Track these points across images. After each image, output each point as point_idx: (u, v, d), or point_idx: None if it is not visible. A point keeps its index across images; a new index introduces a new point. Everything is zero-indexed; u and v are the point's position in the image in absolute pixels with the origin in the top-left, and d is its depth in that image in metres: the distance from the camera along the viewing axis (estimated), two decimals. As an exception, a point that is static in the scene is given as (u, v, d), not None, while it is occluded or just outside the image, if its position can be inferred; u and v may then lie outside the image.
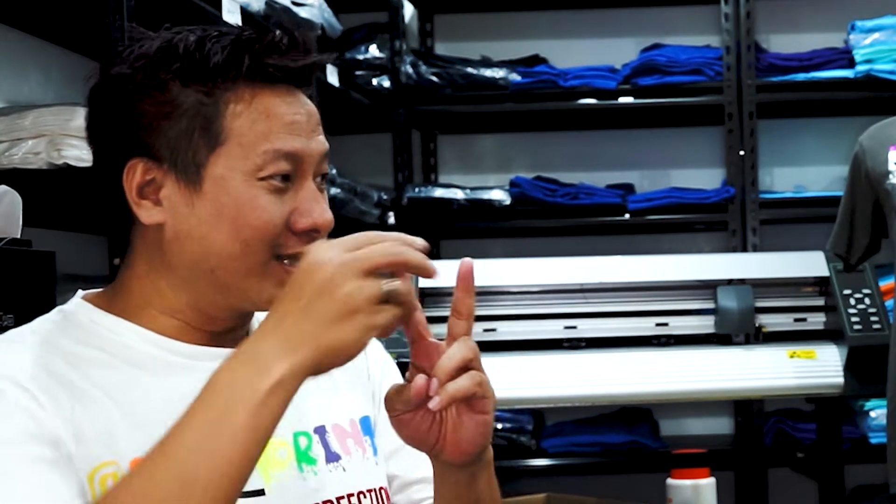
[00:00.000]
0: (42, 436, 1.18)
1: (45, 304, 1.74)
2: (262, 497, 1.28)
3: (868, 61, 4.22)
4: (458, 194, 4.34)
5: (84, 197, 2.45)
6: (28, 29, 2.72)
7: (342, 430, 1.40)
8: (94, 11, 2.23)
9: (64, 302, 1.36)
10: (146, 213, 1.28)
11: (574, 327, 3.43)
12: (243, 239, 1.27)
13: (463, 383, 1.23)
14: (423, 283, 3.39)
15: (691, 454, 3.73)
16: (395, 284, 1.17)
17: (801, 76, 4.33)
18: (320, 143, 1.32)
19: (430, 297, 3.43)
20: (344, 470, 1.38)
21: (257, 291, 1.29)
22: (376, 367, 1.49)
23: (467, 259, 1.28)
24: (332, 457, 1.37)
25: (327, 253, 1.15)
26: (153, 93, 1.27)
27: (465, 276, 1.28)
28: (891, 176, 3.03)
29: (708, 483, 3.54)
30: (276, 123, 1.28)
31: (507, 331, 3.41)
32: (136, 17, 2.23)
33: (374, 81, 4.31)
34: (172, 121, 1.27)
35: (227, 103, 1.27)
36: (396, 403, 1.26)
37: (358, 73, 4.29)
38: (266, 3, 2.97)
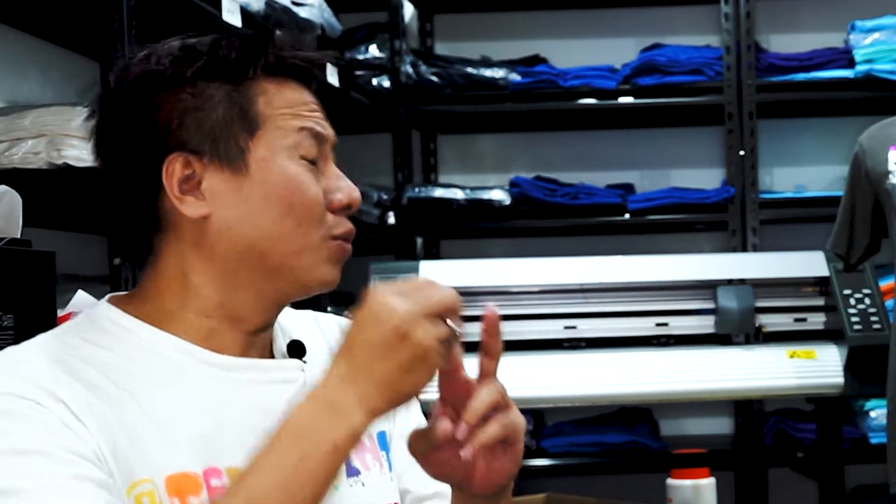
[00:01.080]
0: (86, 453, 1.18)
1: (45, 304, 1.74)
2: None
3: (868, 61, 4.22)
4: (458, 194, 4.33)
5: (84, 197, 2.45)
6: (28, 29, 2.72)
7: (361, 445, 1.37)
8: (94, 11, 2.23)
9: (64, 302, 1.36)
10: (190, 208, 1.29)
11: (574, 327, 3.43)
12: (295, 217, 1.30)
13: (492, 431, 1.25)
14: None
15: (691, 454, 3.73)
16: (457, 325, 1.22)
17: (801, 76, 4.32)
18: (332, 130, 1.37)
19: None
20: (363, 485, 1.38)
21: (309, 270, 1.32)
22: None
23: (492, 307, 1.30)
24: (352, 471, 1.37)
25: (395, 299, 1.19)
26: (183, 87, 1.30)
27: (492, 324, 1.30)
28: (891, 176, 3.03)
29: (708, 483, 3.54)
30: (301, 109, 1.33)
31: (506, 331, 3.34)
32: (136, 17, 2.23)
33: (374, 81, 4.31)
34: (206, 112, 1.29)
35: (255, 94, 1.31)
36: (422, 446, 1.27)
37: (358, 73, 4.30)
38: (266, 3, 2.97)
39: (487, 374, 1.28)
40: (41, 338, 1.30)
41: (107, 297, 1.36)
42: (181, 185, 1.29)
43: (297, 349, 1.40)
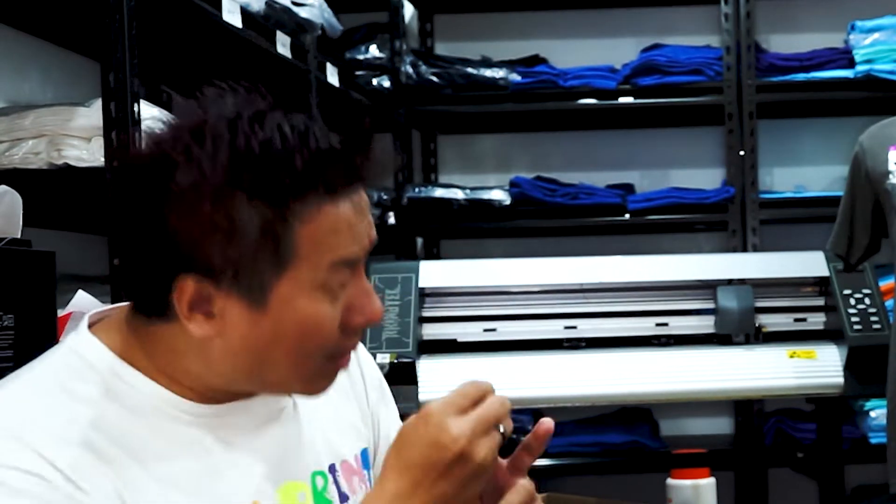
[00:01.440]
0: None
1: (45, 304, 1.74)
2: None
3: (868, 61, 4.22)
4: (458, 194, 4.33)
5: (84, 197, 2.45)
6: (28, 29, 2.71)
7: (349, 468, 1.40)
8: (94, 11, 2.23)
9: (64, 302, 1.35)
10: (198, 328, 1.19)
11: (574, 327, 3.43)
12: (303, 353, 1.23)
13: None
14: (423, 283, 3.40)
15: (691, 454, 3.73)
16: (507, 427, 1.24)
17: (801, 76, 4.32)
18: (373, 234, 1.26)
19: (430, 297, 3.43)
20: None
21: (304, 388, 1.28)
22: (373, 392, 1.49)
23: (549, 421, 1.32)
24: (343, 497, 1.37)
25: (454, 421, 1.20)
26: (216, 206, 1.13)
27: (544, 434, 1.32)
28: (891, 176, 3.03)
29: (708, 483, 3.54)
30: (347, 233, 1.20)
31: (507, 331, 3.41)
32: (136, 17, 2.23)
33: (375, 81, 4.31)
34: (234, 239, 1.14)
35: (297, 221, 1.16)
36: None
37: (358, 73, 4.29)
38: (266, 3, 2.97)
39: (521, 469, 1.31)
40: (32, 383, 1.22)
41: (87, 321, 1.27)
42: (191, 304, 1.18)
43: None
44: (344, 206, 1.19)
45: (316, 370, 1.26)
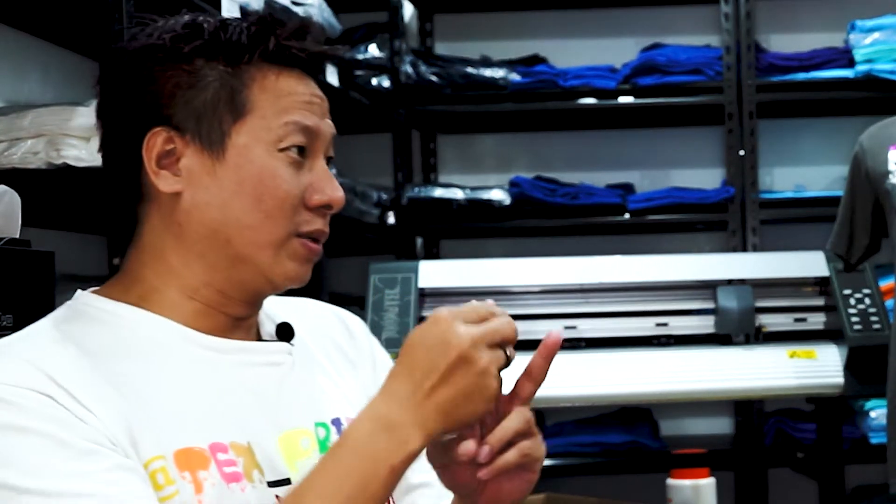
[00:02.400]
0: (102, 441, 1.19)
1: (44, 304, 1.74)
2: (288, 486, 1.29)
3: (868, 61, 4.22)
4: (458, 194, 4.33)
5: (84, 197, 2.45)
6: (28, 29, 2.71)
7: None
8: (93, 11, 2.23)
9: (63, 302, 1.36)
10: (164, 182, 1.30)
11: (574, 327, 3.43)
12: (264, 209, 1.30)
13: (511, 457, 1.26)
14: (423, 283, 3.40)
15: (691, 454, 3.73)
16: (511, 353, 1.24)
17: (801, 76, 4.32)
18: (330, 125, 1.37)
19: (431, 296, 3.43)
20: None
21: (272, 265, 1.32)
22: (383, 369, 1.49)
23: (556, 332, 1.32)
24: None
25: (461, 325, 1.21)
26: (179, 64, 1.30)
27: (552, 347, 1.31)
28: (891, 176, 3.03)
29: (708, 483, 3.54)
30: (296, 100, 1.33)
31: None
32: (136, 17, 2.23)
33: (374, 81, 4.31)
34: (197, 90, 1.30)
35: (251, 78, 1.31)
36: (443, 457, 1.28)
37: (358, 72, 4.29)
38: (266, 2, 2.97)
39: (523, 398, 1.29)
40: (33, 327, 1.31)
41: (84, 291, 1.36)
42: (160, 159, 1.30)
43: (285, 332, 1.41)
44: (290, 79, 1.33)
45: (280, 240, 1.31)
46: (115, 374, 1.25)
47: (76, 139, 2.23)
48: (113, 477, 1.17)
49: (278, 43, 1.33)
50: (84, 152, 2.23)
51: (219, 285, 1.32)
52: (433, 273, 3.43)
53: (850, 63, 4.26)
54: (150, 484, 1.21)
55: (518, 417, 1.26)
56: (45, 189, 2.31)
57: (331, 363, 1.44)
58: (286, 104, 1.32)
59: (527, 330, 3.41)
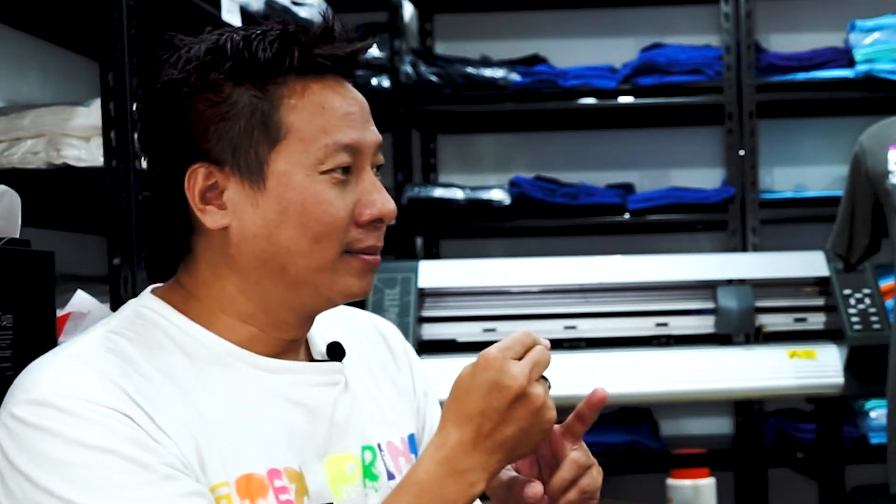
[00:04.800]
0: (176, 465, 1.19)
1: (44, 304, 1.73)
2: None
3: (868, 61, 4.21)
4: (458, 194, 4.33)
5: (83, 197, 2.44)
6: (27, 29, 2.71)
7: (395, 448, 1.41)
8: (93, 11, 2.23)
9: (63, 302, 1.35)
10: (211, 219, 1.29)
11: (574, 327, 3.43)
12: (311, 235, 1.27)
13: (571, 497, 1.32)
14: (423, 283, 3.40)
15: (691, 454, 3.73)
16: (550, 381, 1.28)
17: (801, 76, 4.32)
18: (374, 133, 1.33)
19: (431, 296, 3.43)
20: None
21: (329, 285, 1.30)
22: (420, 384, 1.51)
23: (603, 390, 1.35)
24: (389, 475, 1.38)
25: (513, 364, 1.23)
26: (207, 95, 1.27)
27: (597, 402, 1.35)
28: (891, 176, 3.03)
29: (708, 483, 3.54)
30: (333, 116, 1.29)
31: (507, 331, 3.40)
32: (136, 17, 2.23)
33: (374, 81, 4.31)
34: (230, 121, 1.27)
35: (281, 98, 1.27)
36: (507, 496, 1.32)
37: (357, 72, 4.28)
38: (266, 2, 2.97)
39: (575, 436, 1.33)
40: (103, 334, 1.28)
41: (150, 288, 1.35)
42: (203, 194, 1.28)
43: (336, 351, 1.40)
44: (323, 90, 1.29)
45: (333, 261, 1.29)
46: (186, 391, 1.24)
47: (76, 139, 2.23)
48: (187, 502, 1.17)
49: (304, 53, 1.28)
50: (84, 152, 2.23)
51: (275, 309, 1.31)
52: (433, 273, 3.43)
53: (850, 63, 4.26)
54: None
55: (574, 463, 1.32)
56: (45, 189, 2.31)
57: (374, 382, 1.44)
58: (322, 122, 1.28)
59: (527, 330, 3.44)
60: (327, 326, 1.43)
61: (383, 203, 1.31)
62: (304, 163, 1.27)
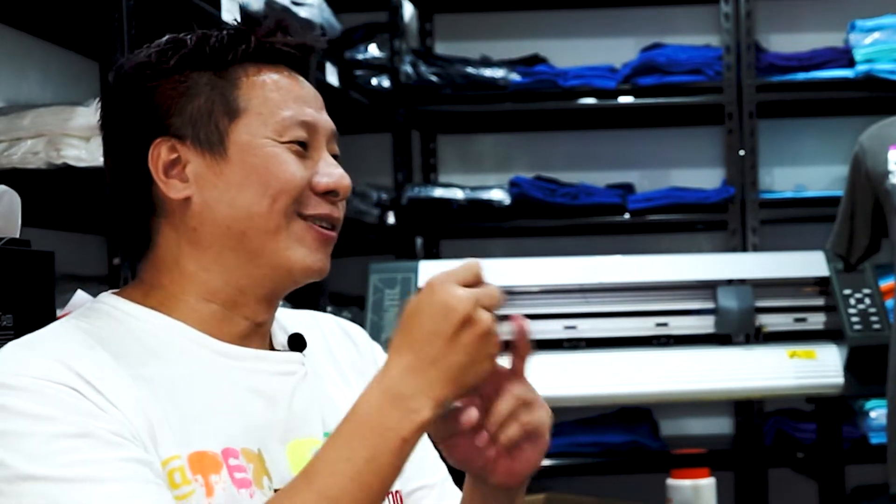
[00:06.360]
0: (125, 434, 1.21)
1: (44, 304, 1.73)
2: None
3: (868, 61, 4.22)
4: (458, 194, 4.33)
5: (83, 197, 2.45)
6: (27, 29, 2.71)
7: None
8: (93, 11, 2.23)
9: (63, 302, 1.36)
10: (174, 189, 1.33)
11: (574, 327, 3.43)
12: (270, 194, 1.32)
13: (513, 432, 1.26)
14: (423, 283, 3.39)
15: (691, 454, 3.73)
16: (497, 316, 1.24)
17: (801, 76, 4.32)
18: (328, 120, 1.39)
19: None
20: None
21: (284, 250, 1.32)
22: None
23: (520, 317, 1.30)
24: None
25: (458, 289, 1.21)
26: (170, 76, 1.34)
27: (521, 330, 1.31)
28: (891, 176, 3.03)
29: (708, 483, 3.55)
30: (288, 95, 1.36)
31: (506, 331, 3.40)
32: (136, 17, 2.23)
33: (374, 81, 4.31)
34: (190, 97, 1.34)
35: (239, 78, 1.35)
36: (446, 430, 1.27)
37: (357, 72, 4.29)
38: (265, 2, 2.97)
39: (518, 371, 1.29)
40: (56, 325, 1.33)
41: (105, 292, 1.39)
42: (167, 169, 1.34)
43: (297, 342, 1.42)
44: (279, 77, 1.37)
45: (287, 223, 1.32)
46: (137, 373, 1.26)
47: (76, 139, 2.23)
48: (127, 466, 1.18)
49: (258, 41, 1.36)
50: (84, 152, 2.23)
51: (237, 283, 1.34)
52: (433, 273, 3.43)
53: (850, 63, 4.26)
54: (165, 481, 1.22)
55: (509, 400, 1.26)
56: (45, 189, 2.31)
57: (340, 375, 1.45)
58: (278, 100, 1.35)
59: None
60: (294, 326, 1.45)
61: (341, 176, 1.36)
62: (263, 133, 1.33)
